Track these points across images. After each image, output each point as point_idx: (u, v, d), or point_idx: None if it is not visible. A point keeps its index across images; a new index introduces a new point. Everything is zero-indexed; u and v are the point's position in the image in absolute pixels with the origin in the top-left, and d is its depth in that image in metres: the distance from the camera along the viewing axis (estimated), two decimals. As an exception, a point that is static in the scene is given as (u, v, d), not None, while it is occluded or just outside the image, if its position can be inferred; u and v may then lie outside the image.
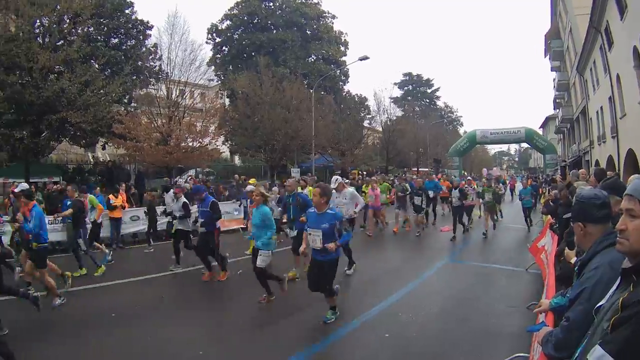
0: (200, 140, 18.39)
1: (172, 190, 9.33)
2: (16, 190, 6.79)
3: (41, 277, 6.21)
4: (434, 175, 19.95)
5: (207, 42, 34.69)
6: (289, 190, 8.05)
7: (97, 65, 17.86)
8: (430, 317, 5.54)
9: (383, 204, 13.75)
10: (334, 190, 8.48)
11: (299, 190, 9.38)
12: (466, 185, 14.04)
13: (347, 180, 13.44)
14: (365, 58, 23.33)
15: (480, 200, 13.52)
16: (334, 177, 9.59)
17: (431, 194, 14.32)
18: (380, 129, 37.29)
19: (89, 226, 9.62)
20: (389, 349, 4.51)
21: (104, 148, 21.54)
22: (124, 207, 11.93)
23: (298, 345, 4.66)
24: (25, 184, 7.31)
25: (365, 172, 30.98)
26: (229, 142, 25.91)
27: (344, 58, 38.79)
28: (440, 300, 6.38)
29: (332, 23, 39.77)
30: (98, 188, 12.56)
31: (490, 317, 5.49)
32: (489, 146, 62.59)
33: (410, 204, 13.20)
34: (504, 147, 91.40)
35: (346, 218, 7.94)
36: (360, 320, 5.39)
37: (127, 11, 21.41)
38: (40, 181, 16.49)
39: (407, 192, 13.13)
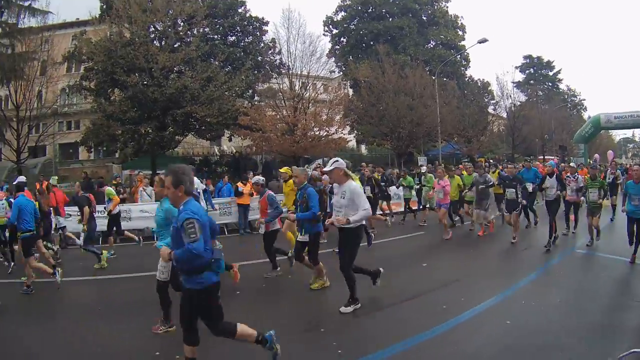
0: (326, 129, 18.17)
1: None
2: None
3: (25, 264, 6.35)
4: (537, 162, 16.76)
5: (324, 35, 34.82)
6: (298, 183, 6.48)
7: (217, 63, 18.56)
8: (551, 307, 5.24)
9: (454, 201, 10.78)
10: (335, 184, 5.68)
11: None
12: (569, 175, 9.64)
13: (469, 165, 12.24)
14: (484, 41, 22.19)
15: (582, 198, 9.54)
16: (332, 160, 5.35)
17: (530, 187, 10.03)
18: (505, 115, 34.75)
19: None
20: (510, 337, 4.40)
21: (230, 140, 22.53)
22: (252, 195, 11.98)
23: (420, 326, 4.64)
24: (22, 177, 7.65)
25: (491, 160, 28.63)
26: (355, 131, 25.72)
27: (462, 42, 37.04)
28: (561, 291, 5.97)
29: (447, 7, 38.12)
30: (226, 177, 12.98)
31: (613, 310, 5.21)
32: (613, 132, 54.45)
33: (494, 200, 10.35)
34: (628, 133, 77.72)
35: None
36: (484, 306, 5.28)
37: (240, 10, 22.17)
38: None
39: (489, 184, 9.73)
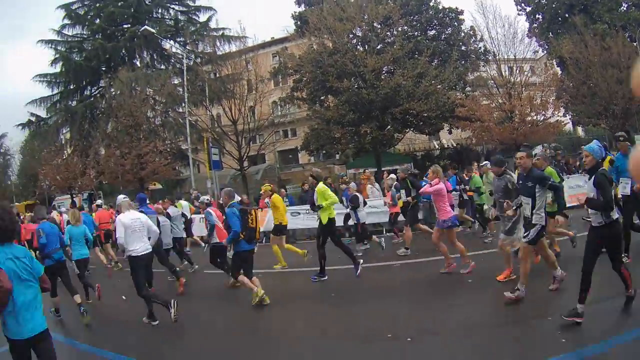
0: (543, 113, 17.15)
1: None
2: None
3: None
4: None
5: (518, 14, 32.88)
6: (224, 204, 6.34)
7: (424, 58, 18.78)
8: None
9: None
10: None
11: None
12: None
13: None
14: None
15: None
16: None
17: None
18: None
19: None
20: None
21: (450, 132, 22.75)
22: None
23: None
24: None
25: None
26: (569, 112, 23.93)
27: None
28: None
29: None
30: (450, 170, 12.71)
31: None
32: None
33: None
34: None
35: None
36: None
37: (431, 3, 22.02)
38: (390, 168, 18.11)
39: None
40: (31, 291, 3.06)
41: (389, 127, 18.78)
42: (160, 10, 30.05)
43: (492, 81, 17.81)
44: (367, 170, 16.13)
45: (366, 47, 18.88)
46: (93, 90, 28.77)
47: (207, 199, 10.57)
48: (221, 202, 7.41)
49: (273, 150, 24.94)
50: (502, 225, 5.66)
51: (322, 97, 20.69)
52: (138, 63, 26.99)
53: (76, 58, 27.93)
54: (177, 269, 8.17)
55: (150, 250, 5.92)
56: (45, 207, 12.71)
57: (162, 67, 27.71)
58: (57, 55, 28.34)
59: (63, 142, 27.36)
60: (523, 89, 17.66)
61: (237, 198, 6.84)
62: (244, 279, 6.17)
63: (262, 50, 27.79)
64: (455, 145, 19.48)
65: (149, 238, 5.89)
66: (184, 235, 10.37)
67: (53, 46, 28.74)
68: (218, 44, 25.33)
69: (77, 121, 25.91)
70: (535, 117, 17.15)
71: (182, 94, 21.67)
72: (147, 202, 8.78)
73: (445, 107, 17.30)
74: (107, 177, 22.21)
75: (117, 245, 6.96)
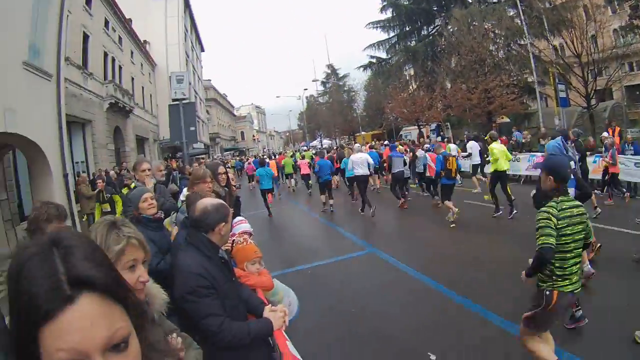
0: None
1: None
2: None
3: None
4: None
5: None
6: None
7: None
8: None
9: None
10: None
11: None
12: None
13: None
14: None
15: None
16: None
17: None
18: None
19: None
20: None
21: None
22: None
23: None
24: None
25: None
26: None
27: None
28: None
29: None
30: None
31: None
32: None
33: None
34: None
35: None
36: None
37: None
38: None
39: None
40: None
41: None
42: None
43: None
44: None
45: None
46: (430, 30, 31.65)
47: (427, 146, 13.00)
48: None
49: (620, 87, 22.98)
50: None
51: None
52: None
53: (404, 2, 31.42)
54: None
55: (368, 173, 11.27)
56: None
57: (495, 0, 28.06)
58: (384, 3, 32.73)
59: (407, 78, 32.59)
60: None
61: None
62: (448, 203, 9.31)
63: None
64: None
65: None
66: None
67: (378, -6, 33.36)
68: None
69: (419, 59, 29.43)
70: None
71: (521, 24, 21.95)
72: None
73: None
74: (455, 110, 24.63)
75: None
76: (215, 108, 61.69)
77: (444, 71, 25.84)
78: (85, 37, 18.93)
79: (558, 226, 2.92)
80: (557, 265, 2.98)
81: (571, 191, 5.35)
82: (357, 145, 13.54)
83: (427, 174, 11.09)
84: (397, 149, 13.80)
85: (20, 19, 9.72)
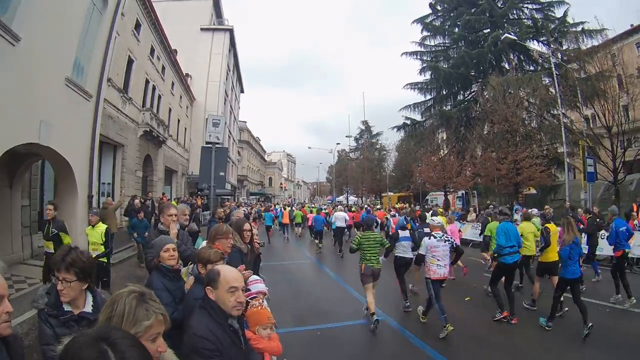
0: None
1: None
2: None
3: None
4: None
5: None
6: None
7: None
8: None
9: None
10: None
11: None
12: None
13: None
14: None
15: None
16: None
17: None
18: None
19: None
20: None
21: None
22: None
23: None
24: None
25: None
26: None
27: None
28: None
29: None
30: None
31: None
32: None
33: None
34: None
35: None
36: None
37: None
38: None
39: None
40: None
41: None
42: (514, 12, 30.61)
43: None
44: None
45: None
46: (466, 95, 31.98)
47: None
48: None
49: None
50: None
51: None
52: (507, 66, 28.47)
53: (443, 66, 31.78)
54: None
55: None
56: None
57: (531, 68, 28.27)
58: (424, 65, 33.28)
59: (439, 142, 32.13)
60: None
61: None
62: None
63: (626, 40, 24.92)
64: None
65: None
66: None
67: (418, 57, 33.97)
68: (580, 39, 24.23)
69: (453, 124, 29.43)
70: None
71: (555, 94, 21.78)
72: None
73: None
74: (483, 179, 24.09)
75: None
76: (247, 150, 63.04)
77: (476, 138, 25.65)
78: (130, 62, 19.67)
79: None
80: None
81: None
82: (339, 206, 22.20)
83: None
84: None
85: (69, 34, 9.70)
